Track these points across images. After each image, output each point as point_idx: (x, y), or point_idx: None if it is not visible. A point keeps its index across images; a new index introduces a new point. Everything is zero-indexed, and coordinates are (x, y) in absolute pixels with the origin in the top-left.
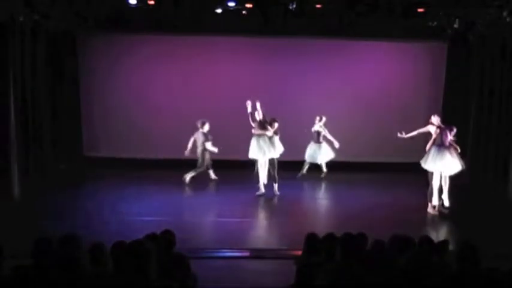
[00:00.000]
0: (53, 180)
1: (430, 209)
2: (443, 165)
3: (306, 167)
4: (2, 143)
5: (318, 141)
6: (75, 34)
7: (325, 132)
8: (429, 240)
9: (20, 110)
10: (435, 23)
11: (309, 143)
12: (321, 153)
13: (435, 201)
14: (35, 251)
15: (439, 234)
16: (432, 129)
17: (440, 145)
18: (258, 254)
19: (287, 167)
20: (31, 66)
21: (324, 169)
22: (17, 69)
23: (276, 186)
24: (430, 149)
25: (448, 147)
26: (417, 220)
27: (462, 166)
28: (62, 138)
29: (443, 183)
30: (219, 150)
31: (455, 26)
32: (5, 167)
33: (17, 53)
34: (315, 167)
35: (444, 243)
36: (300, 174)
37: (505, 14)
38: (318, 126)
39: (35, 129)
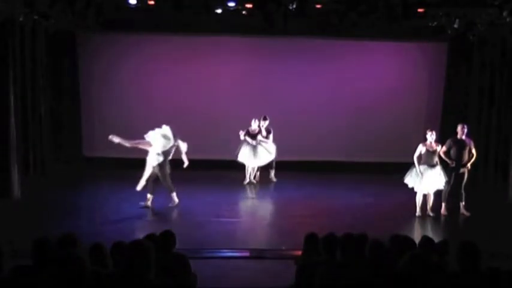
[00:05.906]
0: (53, 180)
1: (443, 210)
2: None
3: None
4: (2, 143)
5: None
6: (75, 34)
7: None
8: (429, 240)
9: (20, 109)
10: (435, 23)
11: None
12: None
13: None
14: (34, 251)
15: (439, 234)
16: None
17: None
18: (258, 254)
19: (287, 167)
20: (31, 66)
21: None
22: (17, 69)
23: (272, 172)
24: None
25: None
26: (417, 220)
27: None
28: (62, 138)
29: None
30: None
31: (455, 26)
32: (5, 167)
33: (17, 53)
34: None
35: (444, 243)
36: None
37: (505, 14)
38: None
39: (35, 129)
